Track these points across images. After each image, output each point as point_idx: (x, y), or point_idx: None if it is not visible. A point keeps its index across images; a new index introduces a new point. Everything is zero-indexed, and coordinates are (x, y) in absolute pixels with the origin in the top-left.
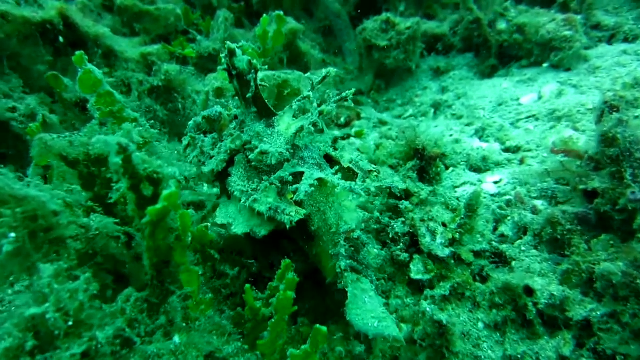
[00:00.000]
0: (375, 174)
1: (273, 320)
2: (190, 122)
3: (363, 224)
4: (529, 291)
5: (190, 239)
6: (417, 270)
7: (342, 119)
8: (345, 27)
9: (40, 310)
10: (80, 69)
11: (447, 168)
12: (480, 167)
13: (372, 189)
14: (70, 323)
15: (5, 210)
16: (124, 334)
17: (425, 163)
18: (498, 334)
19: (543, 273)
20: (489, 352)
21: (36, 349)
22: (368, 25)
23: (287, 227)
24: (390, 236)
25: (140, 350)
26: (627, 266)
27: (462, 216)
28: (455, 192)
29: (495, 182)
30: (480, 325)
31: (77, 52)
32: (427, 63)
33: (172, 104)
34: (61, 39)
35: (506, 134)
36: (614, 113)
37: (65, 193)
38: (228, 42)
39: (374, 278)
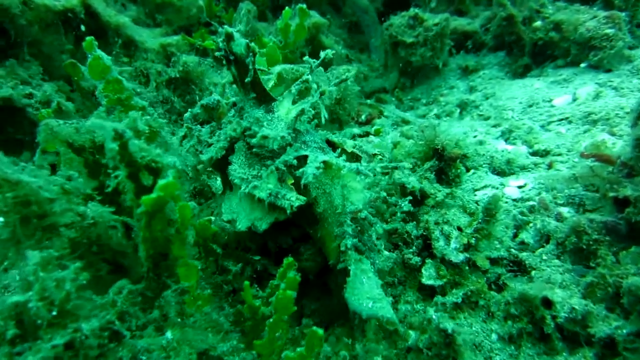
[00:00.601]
0: (380, 157)
1: (271, 320)
2: (187, 114)
3: (370, 204)
4: (548, 303)
5: (190, 232)
6: (428, 275)
7: (363, 117)
8: (372, 23)
9: (24, 298)
10: (89, 55)
11: (467, 170)
12: (504, 170)
13: (378, 169)
14: (55, 313)
15: None
16: (113, 327)
17: (444, 164)
18: (513, 347)
19: (565, 285)
20: None
21: (18, 338)
22: (395, 21)
23: (288, 212)
24: (403, 236)
25: (129, 344)
26: None
27: (480, 220)
28: (475, 195)
29: (520, 187)
30: (494, 336)
31: (87, 38)
32: (456, 61)
33: (190, 96)
34: (83, 28)
35: (535, 136)
36: None
37: (63, 180)
38: (225, 26)
39: (376, 260)
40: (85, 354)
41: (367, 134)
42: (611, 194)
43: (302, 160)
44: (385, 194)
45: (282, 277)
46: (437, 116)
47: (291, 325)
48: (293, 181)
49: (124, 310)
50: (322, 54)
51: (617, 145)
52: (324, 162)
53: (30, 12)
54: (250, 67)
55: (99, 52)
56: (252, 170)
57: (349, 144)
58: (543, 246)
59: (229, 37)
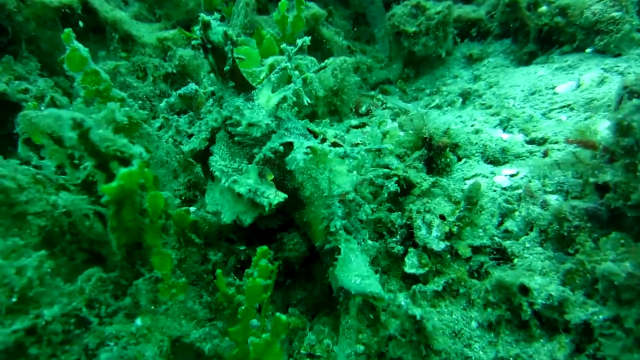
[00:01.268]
0: (361, 144)
1: (242, 308)
2: (162, 104)
3: (356, 187)
4: (525, 290)
5: (164, 221)
6: (411, 264)
7: (363, 108)
8: (379, 15)
9: None
10: (67, 47)
11: (459, 159)
12: (498, 159)
13: (363, 152)
14: (14, 299)
15: None
16: (80, 314)
17: (433, 153)
18: (492, 334)
19: (544, 272)
20: (480, 352)
21: None
22: (397, 11)
23: (266, 209)
24: (387, 226)
25: (97, 331)
26: (634, 267)
27: (461, 209)
28: (465, 184)
29: (512, 175)
30: (474, 324)
31: (66, 30)
32: (460, 50)
33: None
34: (81, 24)
35: (534, 124)
36: (634, 99)
37: (34, 170)
38: (202, 14)
39: (362, 240)
40: (48, 339)
41: (363, 125)
42: (591, 180)
43: (287, 147)
44: (371, 175)
45: (256, 266)
46: (439, 106)
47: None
48: (273, 177)
49: (93, 298)
50: (299, 42)
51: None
52: (310, 147)
53: (27, 8)
54: (229, 55)
55: (77, 44)
56: (234, 162)
57: (330, 134)
58: (527, 234)
59: (206, 26)
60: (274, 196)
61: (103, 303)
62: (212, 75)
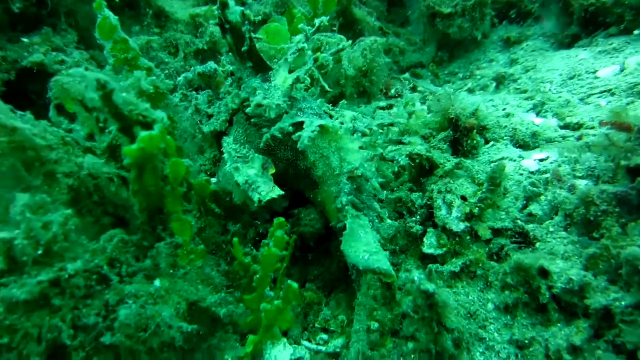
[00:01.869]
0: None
1: (258, 276)
2: (181, 79)
3: (366, 162)
4: (545, 273)
5: (184, 189)
6: (429, 244)
7: (393, 91)
8: None
9: (9, 235)
10: (99, 15)
11: (487, 142)
12: (529, 143)
13: (375, 128)
14: (40, 252)
15: None
16: (102, 271)
17: (460, 134)
18: (509, 317)
19: (567, 256)
20: (495, 334)
21: (5, 273)
22: None
23: (255, 206)
24: (408, 205)
25: (118, 288)
26: None
27: (484, 190)
28: (490, 167)
29: (542, 160)
30: (490, 306)
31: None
32: (498, 33)
33: None
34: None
35: (571, 109)
36: None
37: (63, 132)
38: (199, 9)
39: (375, 218)
40: (71, 292)
41: (390, 107)
42: (623, 163)
43: (299, 127)
44: (382, 150)
45: (272, 236)
46: (471, 90)
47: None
48: (274, 171)
49: (114, 257)
50: (316, 22)
51: None
52: (321, 125)
53: None
54: (247, 35)
55: (107, 12)
56: (243, 148)
57: (348, 117)
58: (552, 218)
59: (224, 5)
60: (266, 193)
61: (124, 263)
62: (230, 54)
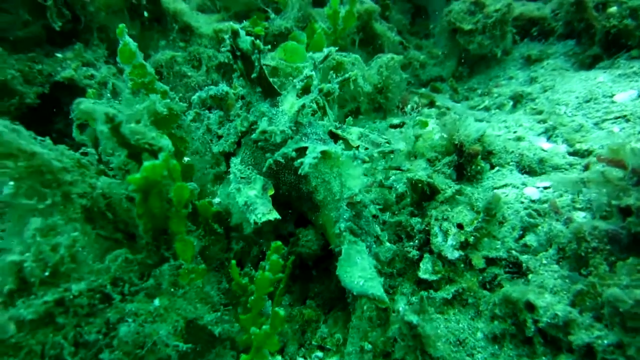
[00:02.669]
0: (387, 143)
1: (252, 298)
2: (194, 97)
3: (366, 189)
4: (531, 307)
5: (187, 211)
6: (425, 270)
7: (409, 107)
8: (440, 9)
9: (19, 258)
10: (121, 41)
11: (492, 167)
12: (535, 169)
13: (375, 154)
14: (47, 273)
15: (9, 162)
16: (105, 290)
17: (464, 160)
18: (496, 347)
19: (556, 290)
20: None
21: (14, 293)
22: (455, 7)
23: (251, 228)
24: (407, 229)
25: (119, 307)
26: None
27: (480, 220)
28: (487, 196)
29: (545, 188)
30: (479, 334)
31: (120, 25)
32: (519, 50)
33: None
34: (145, 14)
35: (583, 134)
36: None
37: (78, 155)
38: (231, 23)
39: (372, 243)
40: (74, 311)
41: (403, 124)
42: (614, 202)
43: (303, 151)
44: (381, 177)
45: (268, 259)
46: (487, 108)
47: (293, 305)
48: (273, 192)
49: (118, 277)
50: (325, 51)
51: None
52: (323, 151)
53: None
54: (256, 63)
55: (127, 39)
56: (247, 169)
57: (355, 135)
58: (547, 250)
59: (235, 34)
60: (261, 215)
61: (127, 282)
62: (241, 79)
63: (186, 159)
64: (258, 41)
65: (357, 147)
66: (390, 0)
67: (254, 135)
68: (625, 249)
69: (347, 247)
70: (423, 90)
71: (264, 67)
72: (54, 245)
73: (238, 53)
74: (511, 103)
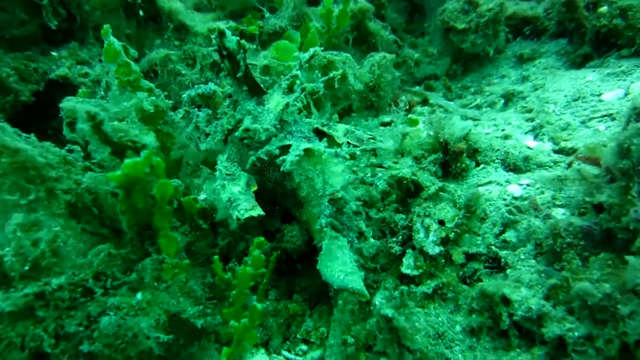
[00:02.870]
0: (372, 139)
1: (234, 292)
2: (184, 96)
3: (354, 186)
4: (506, 301)
5: (171, 207)
6: (407, 265)
7: (401, 104)
8: (437, 7)
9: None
10: (105, 41)
11: (478, 165)
12: (520, 167)
13: (358, 152)
14: (27, 267)
15: None
16: (86, 284)
17: (449, 157)
18: (474, 339)
19: (531, 285)
20: (459, 355)
21: None
22: (449, 6)
23: (233, 225)
24: (391, 226)
25: (100, 300)
26: (612, 289)
27: (460, 216)
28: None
29: (528, 185)
30: (458, 327)
31: (105, 26)
32: (512, 49)
33: None
34: (141, 13)
35: (569, 133)
36: None
37: (64, 151)
38: (217, 23)
39: (354, 238)
40: (55, 304)
41: (391, 122)
42: (587, 199)
43: (287, 149)
44: (363, 174)
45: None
46: (479, 106)
47: (280, 299)
48: (256, 188)
49: (100, 271)
50: (311, 50)
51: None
52: (306, 149)
53: None
54: (241, 62)
55: (112, 39)
56: (233, 166)
57: (341, 132)
58: (525, 246)
59: (221, 34)
60: (244, 211)
61: (110, 276)
62: (229, 78)
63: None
64: (243, 41)
65: (342, 145)
66: None
67: (237, 133)
68: (598, 245)
69: (327, 242)
70: (417, 88)
71: (249, 66)
72: (35, 240)
73: (225, 52)
74: (502, 101)
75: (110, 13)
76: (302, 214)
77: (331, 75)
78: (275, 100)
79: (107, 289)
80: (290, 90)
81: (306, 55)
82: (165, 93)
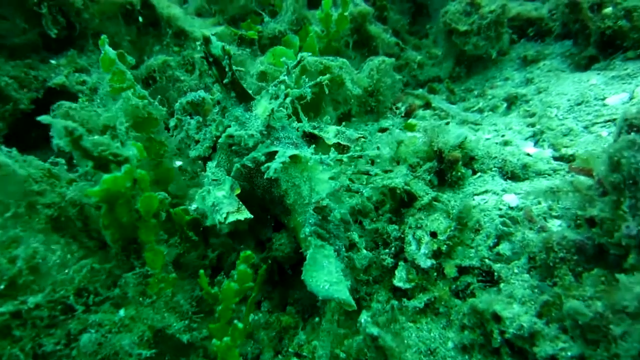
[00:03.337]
0: (363, 139)
1: (220, 307)
2: (177, 104)
3: (334, 193)
4: (498, 318)
5: (155, 221)
6: (399, 278)
7: (402, 108)
8: (441, 7)
9: None
10: (102, 50)
11: (474, 173)
12: (518, 174)
13: (345, 159)
14: (2, 287)
15: None
16: (67, 301)
17: (444, 166)
18: (466, 356)
19: (524, 301)
20: None
21: None
22: (451, 8)
23: (225, 229)
24: (384, 237)
25: (81, 318)
26: (604, 308)
27: (452, 229)
28: (473, 200)
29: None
30: (450, 344)
31: (102, 36)
32: (516, 50)
33: None
34: (140, 19)
35: (571, 139)
36: (632, 133)
37: (48, 165)
38: (203, 30)
39: (341, 247)
40: (33, 323)
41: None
42: (579, 212)
43: (273, 156)
44: (349, 182)
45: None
46: (481, 110)
47: (272, 311)
48: (239, 191)
49: (82, 287)
50: (298, 56)
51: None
52: (293, 156)
53: (97, 5)
54: (227, 69)
55: (107, 48)
56: (220, 172)
57: (331, 134)
58: (520, 259)
59: (207, 41)
60: (226, 214)
61: (92, 292)
62: (217, 84)
63: (179, 162)
64: (228, 47)
65: (331, 146)
66: (388, 0)
67: (221, 140)
68: (592, 260)
69: (312, 251)
70: (419, 91)
71: (236, 72)
72: (12, 257)
73: (211, 59)
74: (505, 105)
75: (110, 20)
76: (290, 221)
77: (318, 80)
78: (263, 106)
79: (89, 305)
80: (278, 96)
81: (293, 61)
82: (161, 98)
